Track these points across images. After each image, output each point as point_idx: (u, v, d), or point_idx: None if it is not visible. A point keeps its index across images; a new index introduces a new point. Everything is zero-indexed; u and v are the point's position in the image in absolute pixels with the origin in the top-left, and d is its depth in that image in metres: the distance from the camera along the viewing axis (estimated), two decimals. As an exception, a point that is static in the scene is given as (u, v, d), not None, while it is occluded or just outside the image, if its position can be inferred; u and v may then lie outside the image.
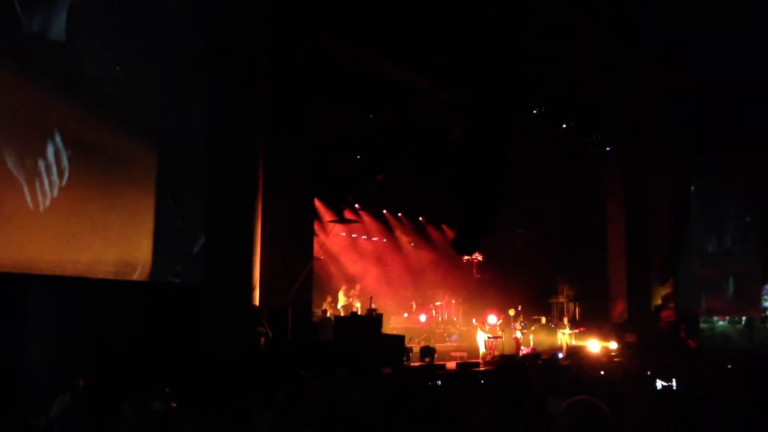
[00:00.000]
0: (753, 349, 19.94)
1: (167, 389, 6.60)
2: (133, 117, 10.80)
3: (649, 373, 7.50)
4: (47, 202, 9.64)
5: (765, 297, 24.22)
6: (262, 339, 11.49)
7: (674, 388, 5.58)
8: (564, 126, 18.06)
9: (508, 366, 3.37)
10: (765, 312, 24.82)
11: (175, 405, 6.24)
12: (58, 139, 9.81)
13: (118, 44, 10.65)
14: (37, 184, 9.56)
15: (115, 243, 10.59)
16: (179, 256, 11.44)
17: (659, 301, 21.08)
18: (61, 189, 9.78)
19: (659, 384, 5.82)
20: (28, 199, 9.47)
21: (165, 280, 11.15)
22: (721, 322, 24.89)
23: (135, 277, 10.71)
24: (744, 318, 23.86)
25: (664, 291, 21.16)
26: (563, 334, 18.30)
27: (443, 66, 14.12)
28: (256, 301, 11.67)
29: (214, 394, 7.24)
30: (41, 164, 9.62)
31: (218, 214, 11.23)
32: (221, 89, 11.36)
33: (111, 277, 10.35)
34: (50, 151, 9.72)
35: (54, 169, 9.71)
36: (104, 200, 10.41)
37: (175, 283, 11.27)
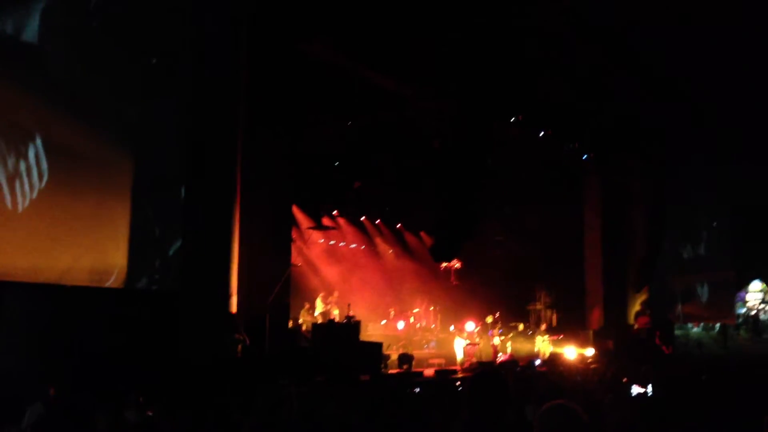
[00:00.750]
0: (726, 356, 20.20)
1: (141, 398, 6.52)
2: (110, 123, 10.70)
3: (625, 379, 7.56)
4: (26, 203, 9.53)
5: (739, 304, 24.57)
6: (239, 346, 11.40)
7: (649, 394, 5.63)
8: (542, 134, 18.18)
9: (485, 372, 3.38)
10: (738, 319, 25.17)
11: (150, 414, 6.17)
12: (39, 142, 9.71)
13: (94, 48, 10.55)
14: (18, 185, 9.45)
15: (91, 249, 10.47)
16: (155, 263, 11.33)
17: (635, 308, 21.28)
18: (39, 191, 9.66)
19: (635, 390, 5.87)
20: (8, 199, 9.35)
21: (140, 287, 11.03)
22: (695, 329, 25.19)
23: (110, 284, 10.59)
24: (718, 325, 24.18)
25: (640, 298, 21.37)
26: (541, 341, 18.39)
27: (426, 75, 14.16)
28: (233, 308, 11.58)
29: (190, 402, 7.17)
30: (22, 165, 9.51)
31: (195, 221, 11.14)
32: (200, 94, 11.29)
33: (86, 284, 10.22)
34: (31, 153, 9.61)
35: (34, 171, 9.61)
36: (80, 206, 10.29)
37: (150, 290, 11.15)
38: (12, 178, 9.45)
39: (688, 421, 3.41)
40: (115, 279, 10.68)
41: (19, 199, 9.50)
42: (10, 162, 9.45)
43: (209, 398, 7.11)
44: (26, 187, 9.57)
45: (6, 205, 9.38)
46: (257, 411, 4.52)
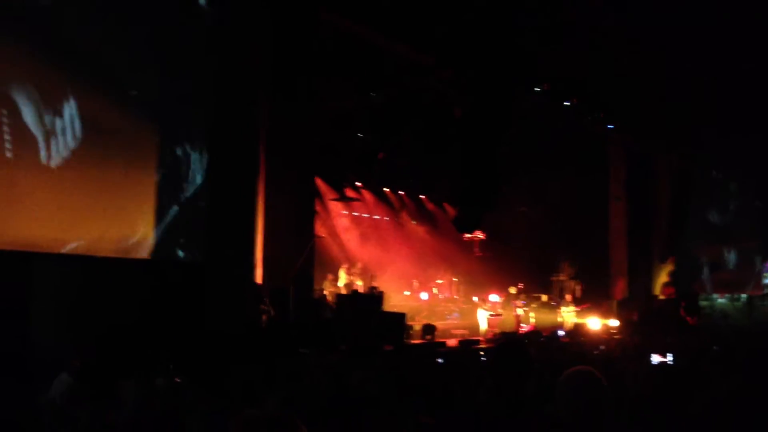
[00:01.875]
0: (751, 327, 20.03)
1: (171, 365, 6.66)
2: (136, 96, 10.78)
3: (648, 349, 7.56)
4: (60, 161, 9.76)
5: (765, 275, 24.30)
6: (264, 317, 11.56)
7: (671, 363, 5.64)
8: (567, 104, 17.98)
9: (509, 342, 3.41)
10: (765, 290, 24.91)
11: (179, 380, 6.30)
12: (73, 104, 9.89)
13: (118, 21, 10.60)
14: (53, 142, 9.69)
15: (118, 221, 10.63)
16: (181, 235, 11.48)
17: (660, 279, 21.17)
18: (70, 157, 9.87)
19: (656, 359, 5.88)
20: (43, 154, 9.59)
21: (167, 258, 11.20)
22: (720, 300, 24.98)
23: (137, 255, 10.76)
24: (744, 295, 23.96)
25: (665, 269, 21.25)
26: (564, 312, 18.39)
27: (447, 43, 14.03)
28: (258, 279, 11.72)
29: (216, 370, 7.30)
30: (58, 124, 9.76)
31: (220, 193, 11.25)
32: (223, 65, 11.32)
33: (113, 254, 10.40)
34: (67, 113, 9.83)
35: (69, 131, 9.85)
36: (107, 178, 10.42)
37: (177, 261, 11.32)
38: (49, 134, 9.65)
39: (707, 390, 3.42)
40: (142, 250, 10.84)
41: (54, 155, 9.71)
42: (47, 118, 9.66)
43: (235, 367, 7.24)
44: (61, 146, 9.77)
45: (41, 159, 9.60)
46: (282, 380, 4.60)
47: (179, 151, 11.34)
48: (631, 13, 14.41)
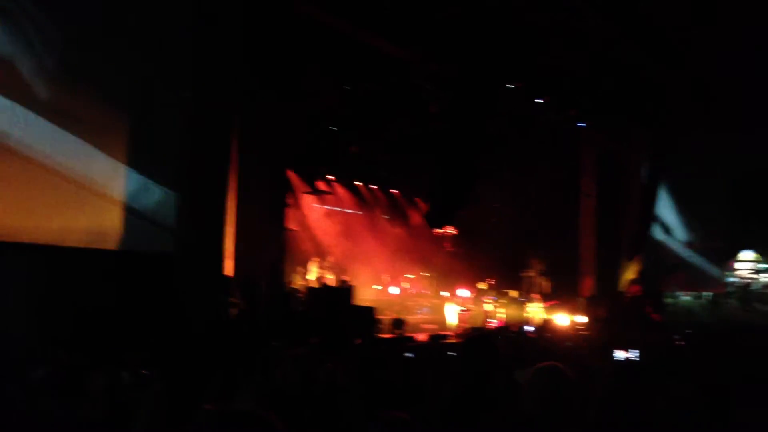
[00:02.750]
0: (715, 324, 20.41)
1: (138, 358, 6.59)
2: (104, 86, 10.63)
3: (613, 345, 7.67)
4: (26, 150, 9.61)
5: (728, 273, 24.78)
6: (234, 310, 11.50)
7: (636, 359, 5.75)
8: (540, 101, 18.11)
9: (476, 337, 3.44)
10: (728, 288, 25.42)
11: (145, 373, 6.24)
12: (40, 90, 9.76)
13: (84, 8, 10.44)
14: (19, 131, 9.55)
15: (86, 211, 10.49)
16: (150, 226, 11.35)
17: (627, 277, 21.45)
18: (38, 143, 9.73)
19: (621, 355, 5.99)
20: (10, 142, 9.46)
21: (136, 249, 11.07)
22: (685, 297, 25.44)
23: (105, 245, 10.63)
24: (708, 293, 24.41)
25: (633, 267, 21.53)
26: (533, 307, 18.56)
27: (425, 38, 14.03)
28: (229, 272, 11.65)
29: (185, 363, 7.25)
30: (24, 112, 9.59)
31: (190, 182, 11.13)
32: (196, 55, 11.20)
33: (81, 245, 10.26)
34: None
35: (35, 119, 9.70)
36: (74, 168, 10.27)
37: (146, 252, 11.19)
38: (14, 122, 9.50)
39: (670, 385, 3.49)
40: (110, 240, 10.72)
41: (21, 143, 9.56)
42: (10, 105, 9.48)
43: (204, 360, 7.20)
44: (27, 134, 9.61)
45: (7, 147, 9.45)
46: (252, 373, 4.59)
47: (148, 141, 11.20)
48: (605, 12, 14.56)
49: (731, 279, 26.66)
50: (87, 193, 10.47)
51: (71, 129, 10.24)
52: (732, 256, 25.03)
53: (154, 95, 11.16)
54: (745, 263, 30.72)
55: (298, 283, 17.78)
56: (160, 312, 9.85)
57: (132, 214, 10.94)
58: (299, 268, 18.49)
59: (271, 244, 12.86)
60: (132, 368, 6.37)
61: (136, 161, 10.98)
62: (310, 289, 15.89)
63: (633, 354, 5.95)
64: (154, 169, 11.25)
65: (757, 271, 31.06)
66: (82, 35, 10.41)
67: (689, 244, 22.89)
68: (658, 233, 22.57)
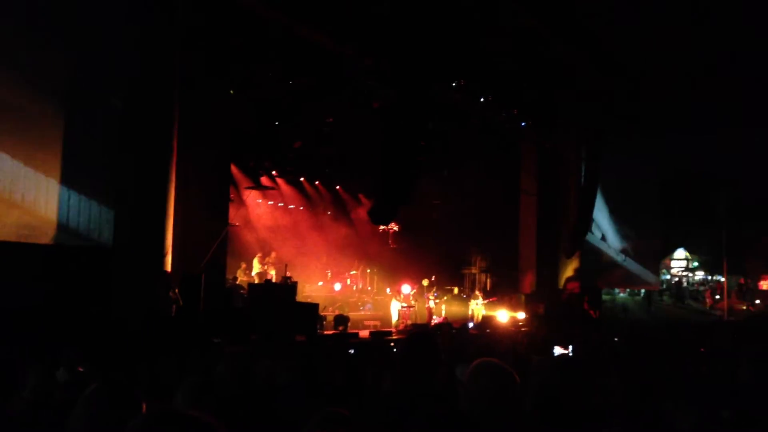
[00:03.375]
0: (649, 320, 21.07)
1: (74, 355, 6.43)
2: (39, 76, 10.31)
3: (552, 341, 7.84)
4: None
5: (663, 271, 25.57)
6: (173, 305, 11.31)
7: (570, 354, 5.90)
8: (482, 100, 18.33)
9: (417, 333, 3.47)
10: (662, 285, 26.25)
11: (82, 370, 6.09)
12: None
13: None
14: None
15: (18, 205, 10.16)
16: (88, 220, 11.06)
17: (566, 274, 21.93)
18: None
19: (557, 350, 6.13)
20: None
21: (72, 244, 10.77)
22: (621, 294, 26.17)
23: (41, 240, 10.31)
24: (643, 291, 25.17)
25: (571, 264, 22.02)
26: (474, 304, 18.81)
27: (365, 34, 14.04)
28: (168, 267, 11.44)
29: (122, 360, 7.10)
30: None
31: (129, 176, 10.88)
32: (133, 48, 10.94)
33: (15, 239, 9.93)
34: None
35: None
36: (8, 160, 9.94)
37: (82, 247, 10.90)
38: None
39: (604, 380, 3.59)
40: (45, 235, 10.40)
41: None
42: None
43: (142, 357, 7.06)
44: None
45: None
46: (191, 370, 4.53)
47: (86, 134, 10.90)
48: (545, 13, 14.84)
49: (665, 277, 27.56)
50: (20, 187, 10.15)
51: (4, 122, 9.90)
52: (665, 255, 25.87)
53: (88, 84, 10.86)
54: (678, 261, 31.75)
55: (240, 279, 17.60)
56: (98, 308, 9.62)
57: (68, 208, 10.63)
58: (242, 264, 18.30)
59: (213, 240, 12.67)
60: (68, 365, 6.20)
61: (71, 155, 10.68)
62: (253, 286, 15.74)
63: (569, 349, 6.10)
64: (91, 163, 10.95)
65: (689, 269, 32.18)
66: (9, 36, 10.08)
67: (626, 243, 23.49)
68: (595, 232, 23.10)
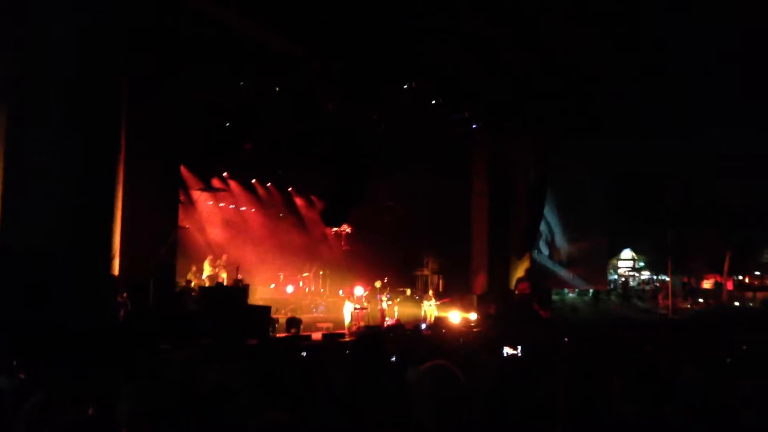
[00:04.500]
0: (597, 319, 21.49)
1: (14, 362, 6.25)
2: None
3: (502, 341, 7.94)
4: None
5: (610, 271, 26.11)
6: (122, 310, 11.09)
7: (519, 354, 5.98)
8: (433, 102, 18.44)
9: (365, 335, 3.47)
10: (610, 285, 26.82)
11: (23, 377, 5.92)
12: None
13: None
14: None
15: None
16: (31, 222, 10.74)
17: (516, 275, 22.21)
18: None
19: (506, 351, 6.21)
20: None
21: (14, 247, 10.44)
22: (570, 294, 26.63)
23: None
24: (591, 291, 25.65)
25: (522, 265, 22.31)
26: (427, 305, 18.89)
27: (317, 34, 14.00)
28: (116, 271, 11.20)
29: (67, 367, 6.93)
30: None
31: (75, 176, 10.60)
32: (79, 46, 10.68)
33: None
34: None
35: None
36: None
37: (25, 249, 10.58)
38: None
39: (551, 379, 3.63)
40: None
41: None
42: None
43: (88, 363, 6.90)
44: None
45: None
46: (136, 376, 4.44)
47: (29, 133, 10.59)
48: (496, 16, 15.01)
49: (612, 277, 28.16)
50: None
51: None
52: (613, 255, 26.42)
53: (31, 77, 10.55)
54: (625, 261, 32.46)
55: (191, 282, 17.36)
56: (41, 313, 9.35)
57: (10, 210, 10.31)
58: (192, 267, 18.05)
59: (162, 242, 12.48)
60: (8, 372, 6.03)
61: (14, 154, 10.36)
62: (203, 289, 15.55)
63: (518, 350, 6.18)
64: (34, 163, 10.64)
65: (636, 269, 32.93)
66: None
67: (574, 243, 23.89)
68: (544, 232, 23.43)
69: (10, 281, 9.48)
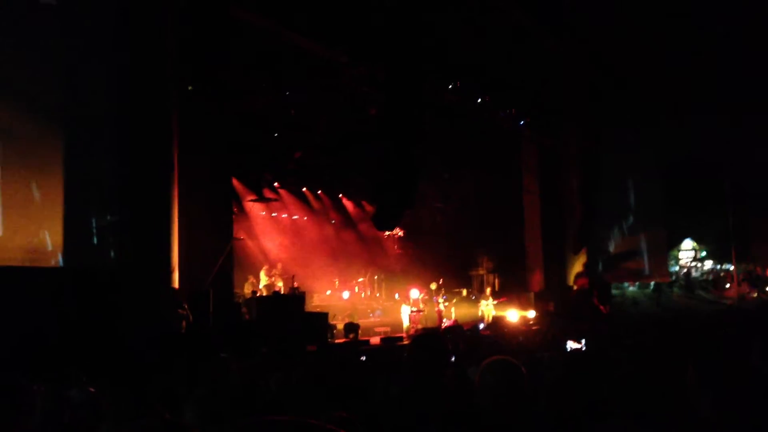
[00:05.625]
0: (660, 312, 20.97)
1: (84, 376, 6.40)
2: (36, 99, 10.31)
3: (563, 337, 7.81)
4: None
5: (671, 262, 25.46)
6: (183, 321, 11.29)
7: (583, 348, 5.86)
8: (479, 100, 18.32)
9: (424, 336, 3.44)
10: (672, 277, 26.14)
11: (93, 390, 6.06)
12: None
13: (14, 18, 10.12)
14: None
15: (24, 229, 10.16)
16: (93, 241, 11.06)
17: (574, 270, 21.86)
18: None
19: (569, 345, 6.09)
20: None
21: (78, 265, 10.76)
22: (631, 288, 26.05)
23: (45, 263, 10.31)
24: (652, 283, 25.04)
25: (578, 260, 21.95)
26: (484, 305, 18.75)
27: (358, 40, 14.07)
28: (176, 284, 11.43)
29: (133, 378, 7.08)
30: None
31: (132, 194, 10.87)
32: (129, 67, 10.95)
33: (21, 263, 9.93)
34: None
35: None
36: (9, 184, 9.95)
37: (89, 268, 10.89)
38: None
39: (617, 374, 3.55)
40: (50, 258, 10.40)
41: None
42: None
43: (152, 374, 7.04)
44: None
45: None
46: (198, 385, 4.50)
47: (87, 155, 10.90)
48: (540, 12, 14.86)
49: (674, 268, 27.46)
50: (24, 211, 10.15)
51: (5, 146, 9.92)
52: (673, 246, 25.75)
53: (85, 106, 10.85)
54: (686, 252, 31.64)
55: (247, 292, 17.58)
56: (106, 328, 9.60)
57: (73, 230, 10.62)
58: (250, 277, 18.29)
59: (219, 254, 12.67)
60: (79, 386, 6.18)
61: (73, 176, 10.67)
62: (260, 298, 15.72)
63: (581, 344, 6.06)
64: (93, 184, 10.95)
65: (698, 259, 32.05)
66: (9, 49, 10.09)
67: (632, 236, 23.40)
68: (601, 225, 23.00)
69: (75, 299, 9.75)
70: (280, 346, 11.58)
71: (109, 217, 10.95)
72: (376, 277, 22.20)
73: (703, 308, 23.02)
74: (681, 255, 31.48)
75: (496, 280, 23.03)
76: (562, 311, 19.03)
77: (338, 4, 13.56)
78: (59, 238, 10.53)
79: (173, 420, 2.25)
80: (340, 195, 23.76)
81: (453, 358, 5.20)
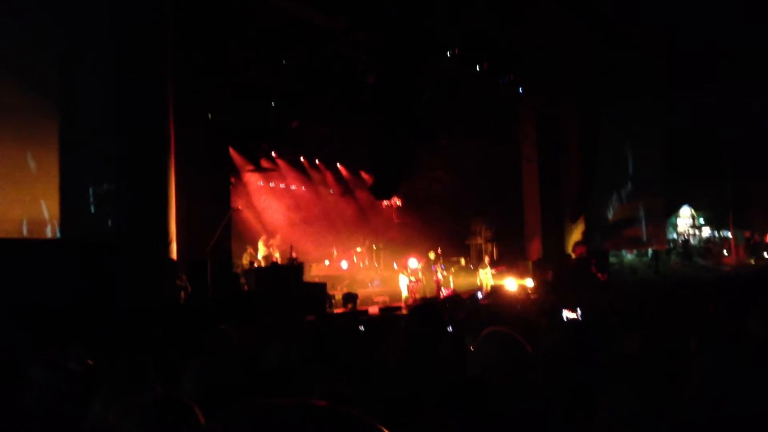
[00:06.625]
0: (658, 280, 21.02)
1: (82, 348, 6.42)
2: (32, 72, 10.23)
3: (560, 306, 7.82)
4: None
5: (669, 230, 25.47)
6: (181, 292, 11.32)
7: (579, 318, 5.87)
8: (477, 67, 18.14)
9: (421, 305, 3.43)
10: (669, 244, 26.18)
11: (92, 363, 6.08)
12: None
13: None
14: None
15: (21, 201, 10.14)
16: (90, 212, 11.03)
17: (572, 239, 21.88)
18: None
19: (566, 315, 6.10)
20: None
21: (76, 237, 10.75)
22: (629, 256, 26.08)
23: (42, 234, 10.30)
24: (650, 251, 25.08)
25: (576, 228, 21.96)
26: (483, 274, 18.80)
27: (356, 7, 13.89)
28: (174, 255, 11.43)
29: (132, 350, 7.09)
30: None
31: (128, 167, 10.82)
32: (125, 36, 10.82)
33: (18, 235, 9.93)
34: None
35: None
36: (4, 155, 9.90)
37: (86, 240, 10.87)
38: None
39: (615, 342, 3.55)
40: (47, 230, 10.38)
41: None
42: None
43: (152, 345, 7.06)
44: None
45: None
46: (198, 354, 4.51)
47: (83, 125, 10.82)
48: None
49: (672, 235, 27.49)
50: (21, 183, 10.11)
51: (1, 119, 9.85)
52: (671, 213, 25.73)
53: (80, 77, 10.76)
54: (684, 219, 31.63)
55: (246, 263, 17.60)
56: (105, 300, 9.61)
57: (70, 201, 10.60)
58: (248, 248, 18.29)
59: (216, 225, 12.65)
60: (77, 358, 6.19)
61: (69, 148, 10.61)
62: (259, 269, 15.75)
63: (577, 313, 6.07)
64: (90, 155, 10.89)
65: (696, 227, 32.06)
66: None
67: (630, 203, 23.38)
68: (599, 194, 22.97)
69: (73, 271, 9.75)
70: (279, 316, 11.63)
71: (106, 188, 10.92)
72: (374, 247, 22.23)
73: (701, 275, 23.09)
74: (679, 222, 31.47)
75: (495, 249, 23.07)
76: (560, 280, 19.08)
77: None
78: (56, 209, 10.52)
79: (170, 395, 2.24)
80: (338, 164, 23.68)
81: (450, 328, 5.20)
